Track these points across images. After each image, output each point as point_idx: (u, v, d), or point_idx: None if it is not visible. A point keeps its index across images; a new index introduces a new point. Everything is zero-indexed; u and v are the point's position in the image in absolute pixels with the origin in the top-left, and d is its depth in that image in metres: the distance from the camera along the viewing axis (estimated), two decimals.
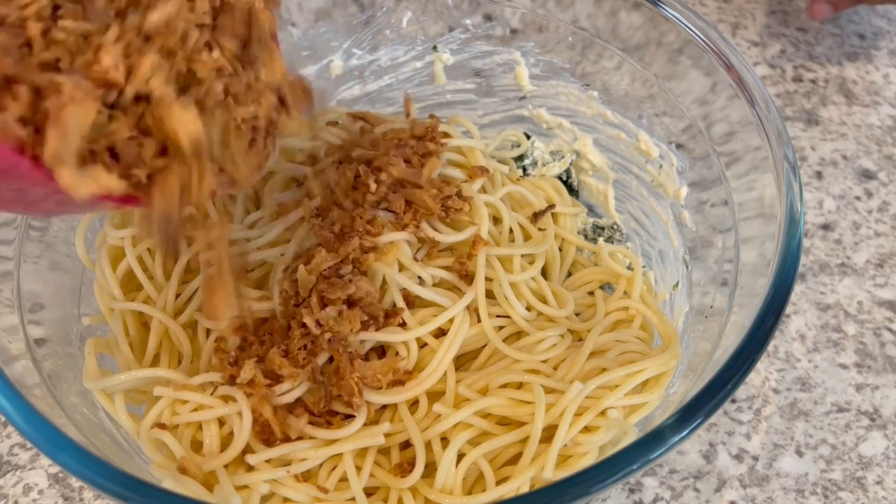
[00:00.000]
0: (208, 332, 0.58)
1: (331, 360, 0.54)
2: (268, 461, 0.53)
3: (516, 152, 0.75)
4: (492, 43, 0.74)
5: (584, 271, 0.67)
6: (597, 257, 0.69)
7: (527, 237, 0.65)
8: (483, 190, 0.67)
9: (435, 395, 0.56)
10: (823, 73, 0.93)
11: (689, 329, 0.61)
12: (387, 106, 0.77)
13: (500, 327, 0.60)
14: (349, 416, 0.54)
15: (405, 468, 0.54)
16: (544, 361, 0.58)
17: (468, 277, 0.59)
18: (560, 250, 0.68)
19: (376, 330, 0.56)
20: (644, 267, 0.69)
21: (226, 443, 0.54)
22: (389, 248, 0.57)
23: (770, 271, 0.51)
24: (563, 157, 0.76)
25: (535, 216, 0.66)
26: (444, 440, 0.54)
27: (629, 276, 0.65)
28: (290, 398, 0.53)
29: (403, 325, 0.57)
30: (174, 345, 0.59)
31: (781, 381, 0.70)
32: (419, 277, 0.59)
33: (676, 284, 0.67)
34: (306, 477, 0.53)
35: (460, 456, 0.53)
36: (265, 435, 0.53)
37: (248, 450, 0.53)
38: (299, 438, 0.53)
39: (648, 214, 0.72)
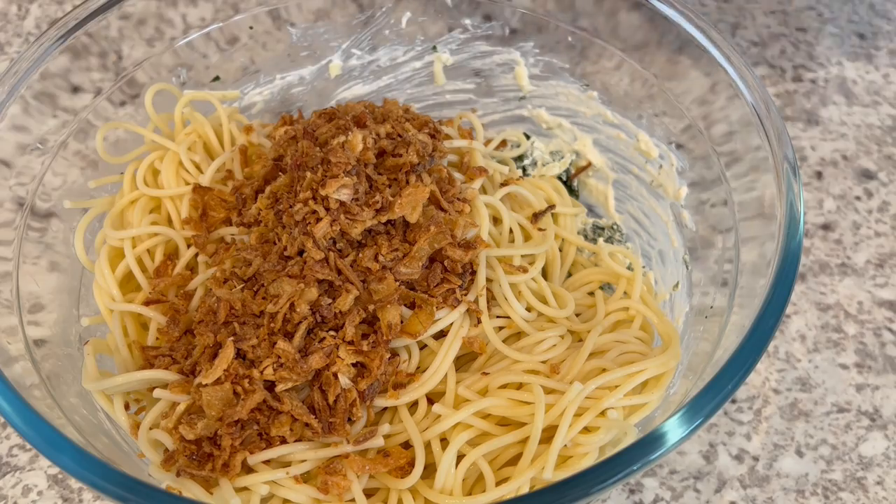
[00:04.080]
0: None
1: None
2: (267, 462, 0.52)
3: (516, 152, 0.75)
4: (492, 43, 0.74)
5: (585, 272, 0.67)
6: (597, 257, 0.69)
7: (527, 237, 0.65)
8: (483, 190, 0.66)
9: (434, 396, 0.56)
10: (823, 73, 0.93)
11: (690, 329, 0.61)
12: None
13: (500, 328, 0.59)
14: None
15: (405, 469, 0.54)
16: (544, 362, 0.58)
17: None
18: (560, 250, 0.68)
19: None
20: (644, 267, 0.69)
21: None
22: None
23: (770, 271, 0.51)
24: (563, 157, 0.76)
25: (535, 216, 0.66)
26: (444, 441, 0.54)
27: (629, 276, 0.65)
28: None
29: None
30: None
31: (782, 381, 0.70)
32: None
33: (676, 285, 0.67)
34: (306, 478, 0.53)
35: (460, 457, 0.53)
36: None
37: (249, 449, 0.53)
38: (298, 440, 0.53)
39: (648, 214, 0.71)
